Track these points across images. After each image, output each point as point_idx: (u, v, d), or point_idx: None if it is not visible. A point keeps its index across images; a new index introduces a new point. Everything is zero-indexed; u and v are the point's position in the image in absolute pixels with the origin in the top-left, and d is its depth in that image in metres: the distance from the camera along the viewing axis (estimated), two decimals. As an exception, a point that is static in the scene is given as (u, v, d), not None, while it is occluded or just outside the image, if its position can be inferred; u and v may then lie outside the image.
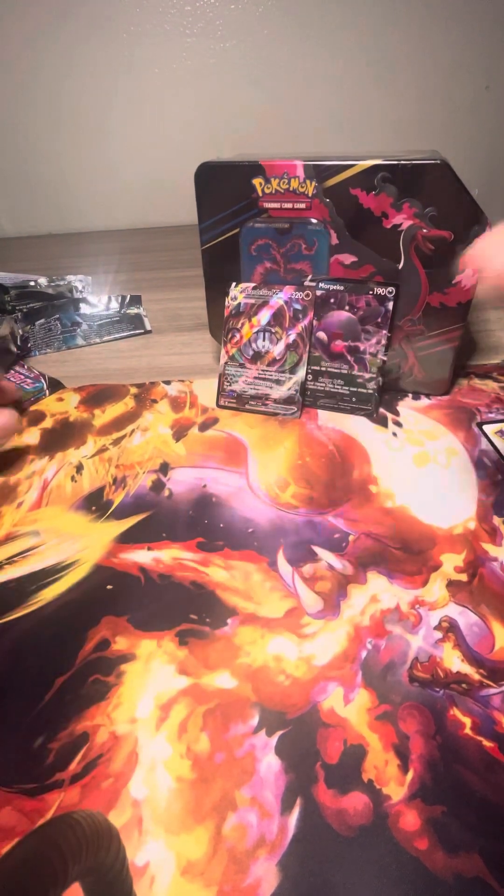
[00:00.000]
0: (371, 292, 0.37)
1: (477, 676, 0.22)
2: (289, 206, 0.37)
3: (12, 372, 0.44)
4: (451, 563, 0.27)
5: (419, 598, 0.25)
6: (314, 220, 0.37)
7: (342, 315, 0.38)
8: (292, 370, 0.39)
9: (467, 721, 0.21)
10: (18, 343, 0.49)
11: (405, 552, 0.28)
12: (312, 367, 0.39)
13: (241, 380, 0.39)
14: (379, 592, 0.26)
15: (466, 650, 0.23)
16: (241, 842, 0.18)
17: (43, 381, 0.43)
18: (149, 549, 0.29)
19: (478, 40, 0.80)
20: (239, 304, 0.39)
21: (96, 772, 0.20)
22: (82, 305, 0.56)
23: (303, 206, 0.37)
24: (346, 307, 0.37)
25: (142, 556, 0.28)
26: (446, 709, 0.21)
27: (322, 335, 0.39)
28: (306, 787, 0.19)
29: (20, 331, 0.51)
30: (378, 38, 0.79)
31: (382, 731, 0.21)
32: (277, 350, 0.39)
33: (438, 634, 0.24)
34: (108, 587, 0.26)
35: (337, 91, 0.82)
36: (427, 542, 0.28)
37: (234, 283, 0.40)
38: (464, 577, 0.26)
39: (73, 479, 0.33)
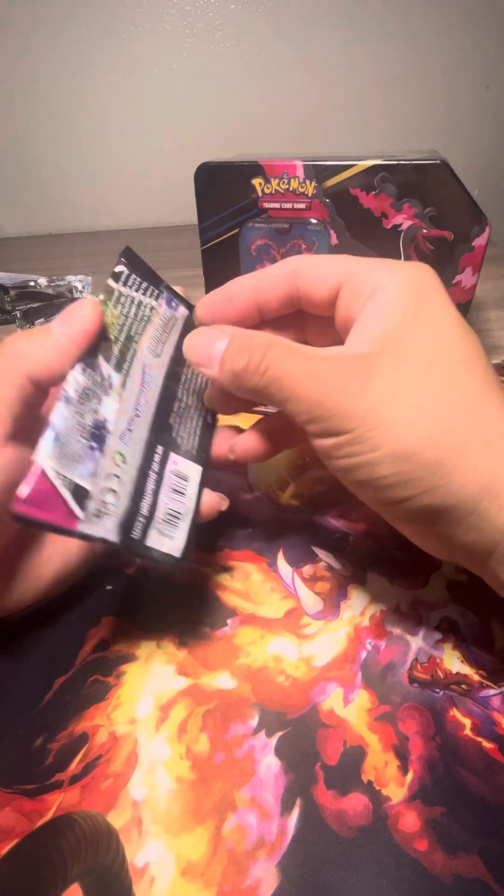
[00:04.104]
0: (371, 292, 0.37)
1: (477, 677, 0.22)
2: (289, 206, 0.37)
3: None
4: (451, 563, 0.27)
5: (419, 598, 0.25)
6: (314, 221, 0.37)
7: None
8: None
9: (467, 722, 0.21)
10: None
11: (405, 553, 0.28)
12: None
13: None
14: (379, 593, 0.26)
15: (466, 651, 0.23)
16: (241, 843, 0.18)
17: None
18: (148, 549, 0.28)
19: (478, 40, 0.80)
20: (239, 304, 0.39)
21: (96, 772, 0.20)
22: (82, 305, 0.56)
23: (303, 206, 0.37)
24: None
25: (141, 557, 0.28)
26: (446, 710, 0.21)
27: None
28: (306, 787, 0.19)
29: (19, 329, 0.51)
30: (378, 37, 0.79)
31: (382, 731, 0.21)
32: None
33: (438, 635, 0.24)
34: (108, 587, 0.26)
35: (337, 91, 0.82)
36: (427, 543, 0.28)
37: (233, 284, 0.40)
38: (464, 578, 0.26)
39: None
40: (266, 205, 0.37)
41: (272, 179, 0.36)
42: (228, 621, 0.25)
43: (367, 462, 0.18)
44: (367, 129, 0.86)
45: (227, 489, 0.32)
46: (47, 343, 0.19)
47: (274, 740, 0.20)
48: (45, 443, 0.17)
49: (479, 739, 0.20)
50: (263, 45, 0.78)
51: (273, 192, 0.37)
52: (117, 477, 0.20)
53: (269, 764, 0.20)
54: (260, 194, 0.37)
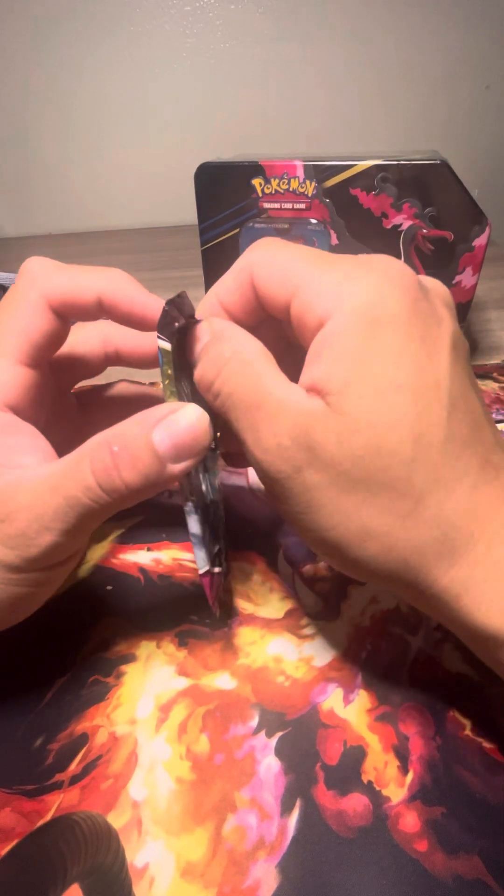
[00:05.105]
0: (371, 292, 0.37)
1: (477, 677, 0.22)
2: (289, 206, 0.37)
3: None
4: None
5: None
6: (314, 221, 0.37)
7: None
8: None
9: (467, 722, 0.21)
10: None
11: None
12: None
13: None
14: (379, 593, 0.26)
15: (466, 651, 0.23)
16: (241, 843, 0.18)
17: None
18: (148, 549, 0.28)
19: (478, 40, 0.80)
20: (239, 304, 0.39)
21: (96, 773, 0.20)
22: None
23: (303, 206, 0.37)
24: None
25: (142, 557, 0.28)
26: (446, 710, 0.21)
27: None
28: (306, 788, 0.19)
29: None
30: (378, 38, 0.79)
31: (382, 732, 0.21)
32: None
33: (438, 635, 0.24)
34: (108, 587, 0.26)
35: (337, 91, 0.82)
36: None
37: (233, 284, 0.40)
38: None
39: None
40: (266, 205, 0.37)
41: (272, 179, 0.36)
42: (228, 621, 0.25)
43: (304, 539, 0.18)
44: (367, 129, 0.86)
45: (228, 490, 0.32)
46: (63, 269, 0.19)
47: (274, 741, 0.20)
48: (200, 557, 0.20)
49: (480, 740, 0.20)
50: (263, 45, 0.78)
51: (273, 192, 0.37)
52: (221, 539, 0.23)
53: (270, 764, 0.20)
54: (260, 194, 0.37)
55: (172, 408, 0.16)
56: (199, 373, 0.18)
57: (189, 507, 0.19)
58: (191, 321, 0.19)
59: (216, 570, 0.22)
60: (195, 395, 0.19)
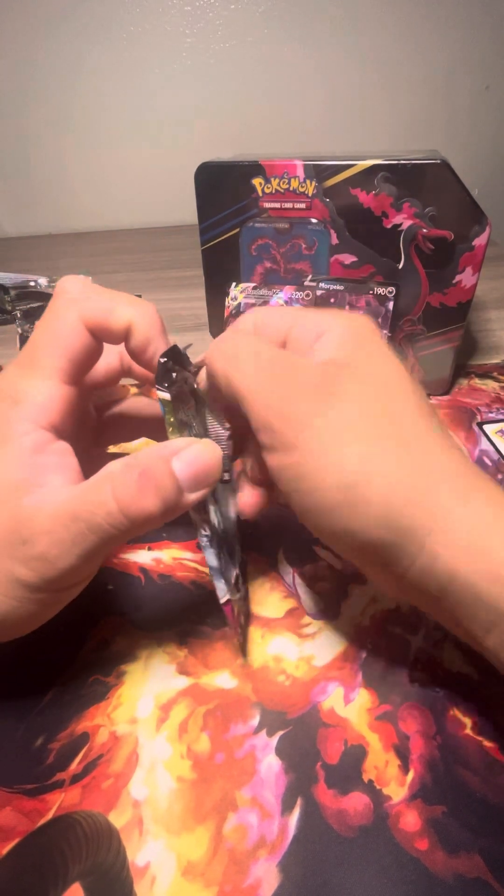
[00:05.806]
0: (371, 292, 0.37)
1: (477, 676, 0.22)
2: (289, 206, 0.37)
3: None
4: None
5: (419, 598, 0.25)
6: (314, 220, 0.37)
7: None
8: None
9: (468, 721, 0.21)
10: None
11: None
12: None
13: None
14: (379, 593, 0.26)
15: (467, 650, 0.23)
16: (242, 842, 0.18)
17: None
18: (149, 549, 0.29)
19: (477, 40, 0.80)
20: (239, 304, 0.39)
21: (96, 772, 0.20)
22: (82, 305, 0.56)
23: (303, 206, 0.37)
24: (347, 307, 0.37)
25: (142, 556, 0.28)
26: (447, 709, 0.21)
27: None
28: (306, 787, 0.19)
29: (20, 329, 0.51)
30: (378, 37, 0.79)
31: (383, 731, 0.21)
32: None
33: (439, 634, 0.24)
34: (109, 587, 0.26)
35: (337, 91, 0.82)
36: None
37: (234, 283, 0.40)
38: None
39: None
40: (266, 204, 0.37)
41: (272, 179, 0.36)
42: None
43: (315, 488, 0.17)
44: (367, 129, 0.86)
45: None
46: (99, 292, 0.20)
47: (275, 740, 0.20)
48: (220, 587, 0.21)
49: (480, 738, 0.20)
50: (263, 45, 0.78)
51: (273, 191, 0.37)
52: (237, 563, 0.24)
53: (270, 763, 0.20)
54: (260, 194, 0.37)
55: (188, 441, 0.18)
56: (210, 351, 0.20)
57: (203, 541, 0.20)
58: (192, 368, 0.21)
59: (236, 596, 0.22)
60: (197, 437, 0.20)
